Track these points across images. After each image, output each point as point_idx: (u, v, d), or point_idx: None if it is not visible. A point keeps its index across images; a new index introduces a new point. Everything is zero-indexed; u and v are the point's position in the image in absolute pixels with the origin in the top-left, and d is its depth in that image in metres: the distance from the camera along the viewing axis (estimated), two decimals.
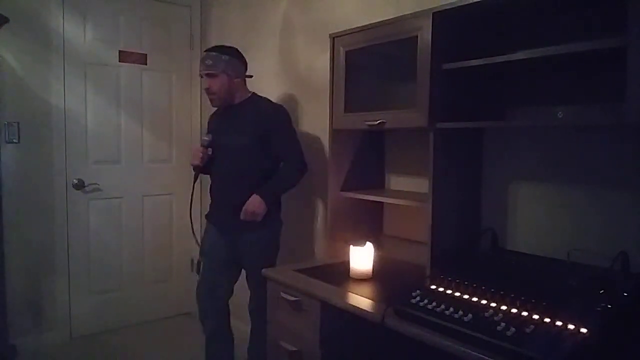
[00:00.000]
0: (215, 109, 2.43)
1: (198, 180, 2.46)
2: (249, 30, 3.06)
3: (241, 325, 2.78)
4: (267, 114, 2.28)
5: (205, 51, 2.35)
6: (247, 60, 2.36)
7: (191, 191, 2.42)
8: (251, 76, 2.40)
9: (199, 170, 2.38)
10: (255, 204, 2.19)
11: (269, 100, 2.39)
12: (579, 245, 1.56)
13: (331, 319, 1.71)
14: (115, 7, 3.17)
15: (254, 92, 2.39)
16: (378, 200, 2.03)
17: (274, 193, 2.26)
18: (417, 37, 1.66)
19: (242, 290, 2.48)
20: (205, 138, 2.36)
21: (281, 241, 2.41)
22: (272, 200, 2.25)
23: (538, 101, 1.68)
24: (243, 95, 2.34)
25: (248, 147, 2.24)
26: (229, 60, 2.26)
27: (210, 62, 2.24)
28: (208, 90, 2.27)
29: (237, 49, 2.35)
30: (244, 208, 2.19)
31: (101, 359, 2.90)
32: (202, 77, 2.30)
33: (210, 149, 2.35)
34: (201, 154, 2.33)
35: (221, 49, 2.30)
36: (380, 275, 1.88)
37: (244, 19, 3.12)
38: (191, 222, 2.48)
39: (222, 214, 2.36)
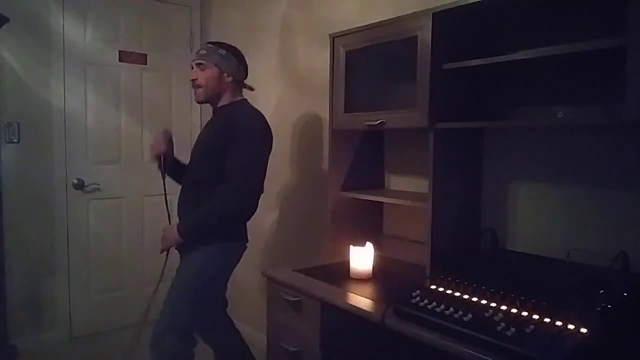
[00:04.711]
0: None
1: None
2: (249, 30, 3.06)
3: (239, 324, 2.77)
4: (230, 125, 1.96)
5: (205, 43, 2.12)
6: (247, 62, 2.17)
7: (162, 177, 2.17)
8: (252, 89, 2.18)
9: (160, 159, 2.15)
10: (167, 232, 2.02)
11: (248, 110, 2.07)
12: (579, 245, 1.55)
13: (331, 319, 1.71)
14: (115, 7, 3.17)
15: (243, 99, 2.13)
16: (378, 200, 2.02)
17: (197, 227, 1.97)
18: (417, 37, 1.66)
19: (236, 287, 2.47)
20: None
21: (281, 241, 2.40)
22: (192, 235, 1.98)
23: (538, 101, 1.68)
24: (228, 99, 2.09)
25: (203, 160, 2.05)
26: (225, 55, 2.05)
27: (204, 52, 2.05)
28: (194, 82, 2.06)
29: (239, 51, 2.15)
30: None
31: (101, 359, 2.90)
32: (192, 67, 2.08)
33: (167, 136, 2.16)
34: (160, 139, 2.13)
35: (221, 44, 2.11)
36: (380, 275, 1.88)
37: (244, 19, 3.12)
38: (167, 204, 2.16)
39: None
